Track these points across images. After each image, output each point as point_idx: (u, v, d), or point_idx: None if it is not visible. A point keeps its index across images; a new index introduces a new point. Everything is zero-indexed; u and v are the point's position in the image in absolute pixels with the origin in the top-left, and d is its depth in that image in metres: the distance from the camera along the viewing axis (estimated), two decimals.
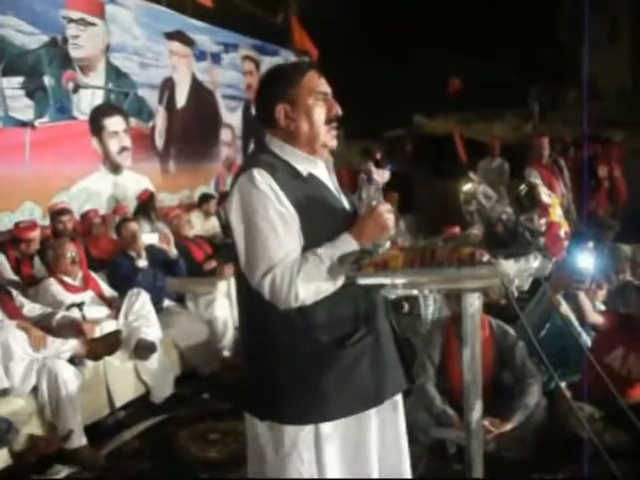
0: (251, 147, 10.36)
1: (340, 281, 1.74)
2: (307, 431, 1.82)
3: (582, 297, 3.69)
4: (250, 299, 1.82)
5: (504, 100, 13.14)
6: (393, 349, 1.96)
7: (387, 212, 1.80)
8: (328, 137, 1.87)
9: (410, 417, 3.41)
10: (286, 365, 1.81)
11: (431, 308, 4.80)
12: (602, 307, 4.10)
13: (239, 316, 1.99)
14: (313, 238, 1.76)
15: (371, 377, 1.86)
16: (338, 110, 1.87)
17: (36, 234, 5.03)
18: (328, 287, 1.73)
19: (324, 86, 1.87)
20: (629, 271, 4.92)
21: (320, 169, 1.90)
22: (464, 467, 1.88)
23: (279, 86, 1.84)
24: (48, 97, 6.43)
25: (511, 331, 3.58)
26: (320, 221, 1.79)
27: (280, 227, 1.72)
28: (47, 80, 6.42)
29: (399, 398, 2.02)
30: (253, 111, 1.97)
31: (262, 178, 1.73)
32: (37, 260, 4.81)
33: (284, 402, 1.81)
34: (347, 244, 1.74)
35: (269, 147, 1.86)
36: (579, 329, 3.78)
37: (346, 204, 1.93)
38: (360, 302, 1.84)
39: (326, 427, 1.82)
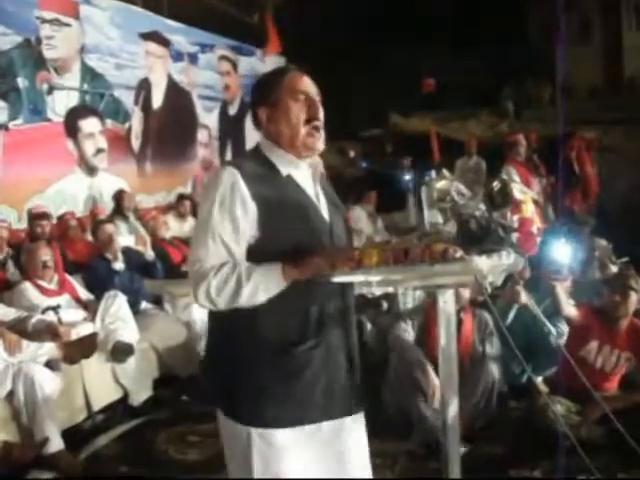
0: (228, 147, 10.33)
1: (245, 299, 1.70)
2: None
3: (558, 289, 3.69)
4: None
5: (479, 99, 13.23)
6: (346, 370, 1.87)
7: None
8: (308, 137, 1.81)
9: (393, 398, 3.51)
10: (238, 366, 1.80)
11: (410, 306, 4.82)
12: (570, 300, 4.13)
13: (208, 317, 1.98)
14: (273, 237, 1.75)
15: (317, 390, 1.80)
16: (319, 108, 1.83)
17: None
18: (232, 303, 1.71)
19: (305, 85, 1.83)
20: (602, 265, 4.98)
21: (302, 172, 1.85)
22: (441, 465, 1.89)
23: (261, 90, 1.87)
24: (22, 99, 6.37)
25: (490, 322, 3.66)
26: (285, 223, 1.76)
27: (227, 231, 1.73)
28: (21, 81, 6.36)
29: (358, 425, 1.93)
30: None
31: (228, 175, 1.75)
32: (10, 264, 4.75)
33: (237, 402, 1.81)
34: (273, 276, 1.70)
35: (260, 147, 1.88)
36: (543, 319, 3.76)
37: (324, 213, 1.87)
38: (312, 314, 1.79)
39: (279, 436, 1.78)
